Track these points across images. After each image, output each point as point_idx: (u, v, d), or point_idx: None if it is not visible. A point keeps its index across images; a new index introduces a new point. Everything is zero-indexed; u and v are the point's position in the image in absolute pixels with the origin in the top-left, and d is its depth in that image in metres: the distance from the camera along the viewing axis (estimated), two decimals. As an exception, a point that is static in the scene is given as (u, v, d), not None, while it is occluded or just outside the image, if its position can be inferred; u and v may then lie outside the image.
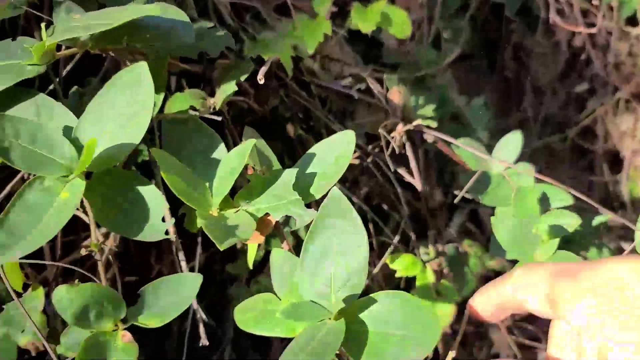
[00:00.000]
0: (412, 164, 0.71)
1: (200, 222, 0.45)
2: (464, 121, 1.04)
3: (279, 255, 0.48)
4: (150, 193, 0.48)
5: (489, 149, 0.70)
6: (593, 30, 1.08)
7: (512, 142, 0.69)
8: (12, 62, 0.49)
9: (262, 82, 0.54)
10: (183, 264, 0.52)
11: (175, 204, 0.54)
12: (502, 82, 1.41)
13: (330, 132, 0.72)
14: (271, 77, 0.66)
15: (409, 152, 0.71)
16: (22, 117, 0.46)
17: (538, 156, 1.33)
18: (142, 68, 0.47)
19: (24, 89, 0.48)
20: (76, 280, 0.52)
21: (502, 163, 0.67)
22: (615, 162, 1.38)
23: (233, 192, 0.50)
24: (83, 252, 0.48)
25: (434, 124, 0.67)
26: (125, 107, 0.47)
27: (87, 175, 0.47)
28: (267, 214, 0.49)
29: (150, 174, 0.53)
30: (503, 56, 1.41)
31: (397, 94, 0.70)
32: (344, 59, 0.85)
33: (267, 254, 0.78)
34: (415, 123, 0.65)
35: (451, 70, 1.15)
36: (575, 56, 1.40)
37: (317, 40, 0.71)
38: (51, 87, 0.54)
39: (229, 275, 0.74)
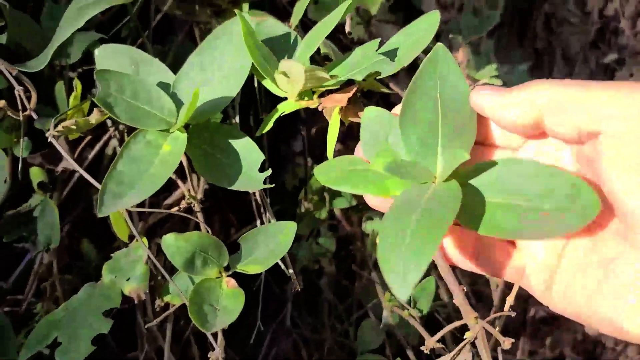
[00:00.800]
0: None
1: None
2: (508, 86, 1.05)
3: (372, 112, 0.41)
4: (247, 145, 0.49)
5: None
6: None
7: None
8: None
9: (350, 35, 0.55)
10: (269, 216, 0.53)
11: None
12: (533, 51, 1.42)
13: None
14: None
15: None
16: (124, 73, 0.47)
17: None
18: (236, 26, 0.48)
19: (122, 46, 0.50)
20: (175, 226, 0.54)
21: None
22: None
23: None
24: (184, 203, 0.50)
25: (499, 82, 0.68)
26: (223, 63, 0.48)
27: (186, 127, 0.49)
28: (349, 81, 0.47)
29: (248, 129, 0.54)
30: (534, 25, 1.41)
31: (462, 53, 0.71)
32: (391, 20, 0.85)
33: (331, 216, 0.80)
34: (482, 81, 0.66)
35: (488, 37, 1.15)
36: (606, 25, 1.40)
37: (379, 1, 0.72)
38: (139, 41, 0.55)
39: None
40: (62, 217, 0.55)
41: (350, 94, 0.48)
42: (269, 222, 0.55)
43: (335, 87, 0.48)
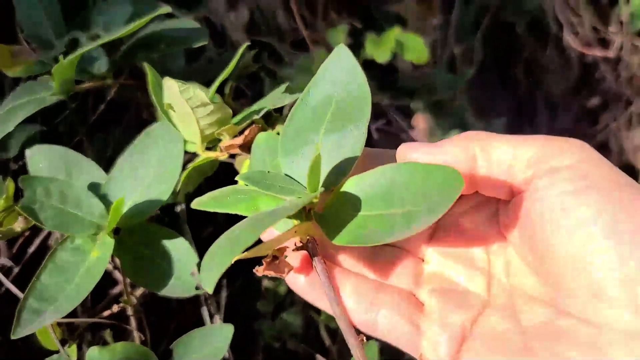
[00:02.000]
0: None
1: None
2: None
3: (262, 138, 0.38)
4: (179, 246, 0.47)
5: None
6: (607, 54, 1.07)
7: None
8: (35, 97, 0.50)
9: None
10: (215, 317, 0.52)
11: (200, 254, 0.54)
12: (514, 98, 1.41)
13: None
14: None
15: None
16: (51, 177, 0.46)
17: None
18: (165, 129, 0.47)
19: (54, 146, 0.49)
20: (107, 331, 0.52)
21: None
22: (631, 176, 1.37)
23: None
24: (115, 308, 0.48)
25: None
26: (154, 163, 0.47)
27: (116, 231, 0.47)
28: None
29: (179, 226, 0.53)
30: (515, 72, 1.41)
31: (422, 121, 0.70)
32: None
33: (290, 291, 0.78)
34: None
35: (465, 91, 1.15)
36: (587, 70, 1.39)
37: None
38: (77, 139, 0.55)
39: (256, 312, 0.75)
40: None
41: (247, 134, 0.43)
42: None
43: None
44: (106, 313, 0.48)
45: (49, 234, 0.56)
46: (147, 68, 0.44)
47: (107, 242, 0.46)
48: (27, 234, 0.54)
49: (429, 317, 0.33)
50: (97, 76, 0.53)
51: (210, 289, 0.26)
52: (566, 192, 0.28)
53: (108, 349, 0.43)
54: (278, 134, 0.39)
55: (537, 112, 1.41)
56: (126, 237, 0.47)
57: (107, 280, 0.56)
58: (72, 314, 0.54)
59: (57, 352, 0.46)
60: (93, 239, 0.46)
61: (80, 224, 0.45)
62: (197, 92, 0.41)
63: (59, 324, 0.46)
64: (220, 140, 0.46)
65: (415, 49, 0.77)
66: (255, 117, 0.44)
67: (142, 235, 0.47)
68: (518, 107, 1.40)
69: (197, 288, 0.46)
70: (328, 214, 0.32)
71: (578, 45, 1.10)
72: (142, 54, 0.53)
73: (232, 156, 0.49)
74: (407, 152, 0.32)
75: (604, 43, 1.25)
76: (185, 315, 0.66)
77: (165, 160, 0.47)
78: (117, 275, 0.55)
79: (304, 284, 0.34)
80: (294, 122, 0.35)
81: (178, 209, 0.57)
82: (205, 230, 0.68)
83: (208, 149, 0.47)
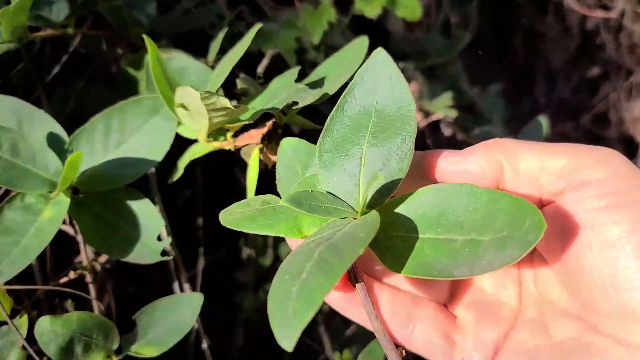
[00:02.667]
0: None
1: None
2: (477, 111, 0.99)
3: (289, 144, 0.36)
4: (146, 209, 0.43)
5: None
6: (610, 16, 1.02)
7: (538, 127, 0.64)
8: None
9: (261, 79, 0.49)
10: (184, 286, 0.48)
11: (174, 221, 0.50)
12: (512, 68, 1.36)
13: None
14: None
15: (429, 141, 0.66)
16: (3, 126, 0.41)
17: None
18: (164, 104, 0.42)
19: (4, 96, 0.44)
20: (69, 301, 0.48)
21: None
22: (630, 148, 1.34)
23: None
24: (72, 275, 0.44)
25: (454, 114, 0.62)
26: (140, 132, 0.43)
27: (75, 191, 0.43)
28: (265, 115, 0.41)
29: (146, 187, 0.48)
30: (513, 41, 1.36)
31: (413, 84, 0.65)
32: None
33: (276, 261, 0.74)
34: (437, 115, 0.60)
35: (461, 59, 1.10)
36: (588, 39, 1.35)
37: (322, 29, 0.66)
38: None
39: (236, 283, 0.70)
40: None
41: (264, 130, 0.42)
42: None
43: (250, 123, 0.43)
44: (63, 280, 0.44)
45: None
46: (147, 41, 0.40)
47: (62, 202, 0.41)
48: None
49: (463, 331, 0.33)
50: (55, 24, 0.48)
51: (290, 348, 0.24)
52: (597, 209, 0.27)
53: (62, 319, 0.39)
54: (299, 135, 0.37)
55: (536, 82, 1.37)
56: (86, 197, 0.43)
57: (73, 247, 0.51)
58: (31, 282, 0.50)
59: (5, 323, 0.42)
60: (46, 197, 0.41)
61: (32, 180, 0.41)
62: (221, 100, 0.37)
63: (10, 292, 0.41)
64: (227, 130, 0.43)
65: (408, 5, 0.72)
66: (273, 110, 0.40)
67: (103, 196, 0.43)
68: (516, 76, 1.35)
69: (163, 254, 0.42)
70: (380, 237, 0.29)
71: (579, 7, 1.05)
72: (106, -2, 0.48)
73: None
74: (434, 161, 0.32)
75: (606, 8, 1.20)
76: (159, 286, 0.61)
77: (153, 135, 0.43)
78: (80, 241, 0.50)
79: (340, 300, 0.33)
80: (332, 134, 0.32)
81: (152, 169, 0.53)
82: (180, 194, 0.64)
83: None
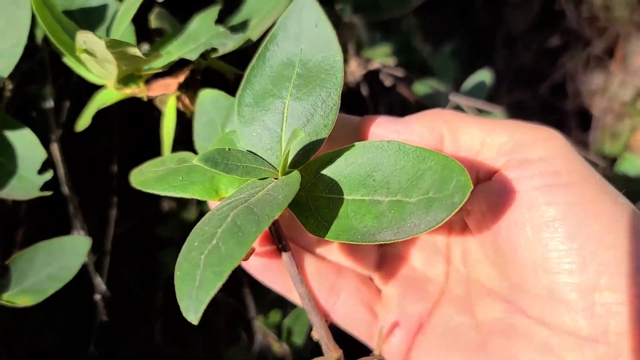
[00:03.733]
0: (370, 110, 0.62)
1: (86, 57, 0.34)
2: (427, 71, 0.95)
3: (207, 96, 0.34)
4: (25, 139, 0.38)
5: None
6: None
7: (481, 79, 0.61)
8: None
9: None
10: (79, 232, 0.43)
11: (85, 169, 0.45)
12: (471, 31, 1.33)
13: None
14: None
15: (365, 92, 0.62)
16: None
17: (507, 111, 1.26)
18: None
19: None
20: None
21: (469, 102, 0.59)
22: (584, 120, 1.33)
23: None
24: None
25: (392, 61, 0.58)
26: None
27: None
28: (181, 61, 0.37)
29: (26, 116, 0.43)
30: (474, 3, 1.32)
31: (349, 26, 0.61)
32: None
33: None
34: (375, 62, 0.56)
35: (417, 17, 1.06)
36: (549, 7, 1.32)
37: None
38: None
39: (159, 239, 0.66)
40: None
41: (180, 79, 0.38)
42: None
43: (165, 70, 0.38)
44: None
45: None
46: None
47: None
48: None
49: (387, 304, 0.32)
50: None
51: (195, 321, 0.22)
52: (536, 188, 0.27)
53: None
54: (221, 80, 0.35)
55: (495, 47, 1.34)
56: (-44, 124, 0.38)
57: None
58: None
59: None
60: None
61: None
62: (130, 49, 0.33)
63: None
64: (139, 76, 0.38)
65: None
66: (190, 57, 0.36)
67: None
68: (475, 39, 1.32)
69: (43, 189, 0.37)
70: (302, 198, 0.28)
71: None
72: None
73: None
74: (371, 127, 0.31)
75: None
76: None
77: (8, 28, 0.37)
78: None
79: (260, 267, 0.32)
80: (253, 86, 0.30)
81: (50, 104, 0.47)
82: (98, 142, 0.59)
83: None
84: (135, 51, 0.33)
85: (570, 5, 1.30)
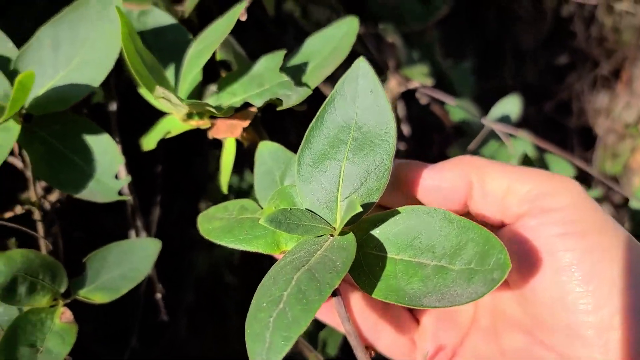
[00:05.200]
0: (405, 126, 0.64)
1: (164, 105, 0.37)
2: (447, 84, 0.98)
3: (267, 149, 0.36)
4: (103, 144, 0.39)
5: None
6: (587, 1, 1.02)
7: (511, 105, 0.64)
8: None
9: (244, 18, 0.45)
10: (141, 230, 0.44)
11: (132, 160, 0.46)
12: (482, 45, 1.35)
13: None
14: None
15: (401, 110, 0.64)
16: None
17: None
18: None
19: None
20: (12, 239, 0.44)
21: (499, 127, 0.61)
22: (587, 139, 1.36)
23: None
24: (19, 210, 0.40)
25: (429, 82, 0.61)
26: (86, 41, 0.38)
27: (27, 118, 0.39)
28: (246, 104, 0.39)
29: (105, 121, 0.45)
30: (486, 18, 1.35)
31: (392, 47, 0.63)
32: (328, 3, 0.77)
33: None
34: (414, 82, 0.58)
35: (434, 27, 1.08)
36: (560, 26, 1.35)
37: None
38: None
39: (189, 240, 0.67)
40: None
41: (246, 123, 0.40)
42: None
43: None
44: (7, 215, 0.40)
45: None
46: (119, 14, 0.35)
47: (10, 128, 0.37)
48: None
49: (423, 334, 0.36)
50: None
51: None
52: (554, 236, 0.29)
53: (5, 255, 0.36)
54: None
55: (504, 62, 1.36)
56: (38, 126, 0.39)
57: (17, 181, 0.47)
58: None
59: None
60: (-7, 122, 0.37)
61: (-23, 102, 0.37)
62: (201, 106, 0.36)
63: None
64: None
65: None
66: (255, 104, 0.38)
67: (58, 126, 0.39)
68: (485, 53, 1.34)
69: (120, 194, 0.39)
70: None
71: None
72: None
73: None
74: (407, 171, 0.33)
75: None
76: (110, 233, 0.58)
77: (101, 40, 0.38)
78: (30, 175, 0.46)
79: None
80: (312, 147, 0.32)
81: (113, 107, 0.49)
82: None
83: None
84: (210, 108, 0.35)
85: (581, 26, 1.33)
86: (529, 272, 0.30)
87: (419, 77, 0.62)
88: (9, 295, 0.36)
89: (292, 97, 0.37)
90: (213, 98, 0.40)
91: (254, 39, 0.62)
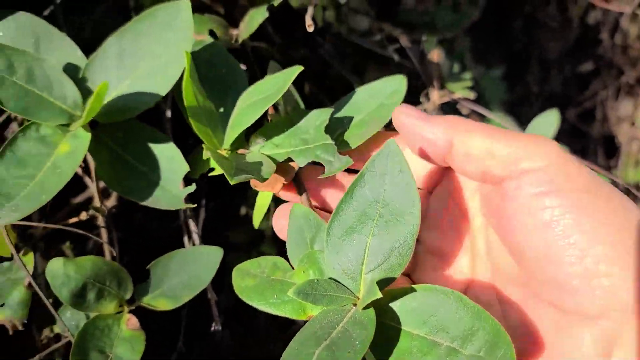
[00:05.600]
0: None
1: (210, 156, 0.37)
2: (477, 91, 0.98)
3: (300, 211, 0.38)
4: (168, 153, 0.40)
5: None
6: (609, 7, 1.02)
7: (549, 121, 0.64)
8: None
9: (311, 28, 0.46)
10: (195, 236, 0.45)
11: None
12: (508, 53, 1.35)
13: (346, 91, 0.65)
14: (297, 26, 0.58)
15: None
16: (18, 48, 0.37)
17: (537, 134, 1.28)
18: (184, 7, 0.38)
19: (21, 13, 0.40)
20: (67, 243, 0.45)
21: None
22: (610, 147, 1.36)
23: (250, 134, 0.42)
24: (84, 216, 0.40)
25: (472, 95, 0.61)
26: (155, 50, 0.39)
27: (92, 125, 0.39)
28: (288, 159, 0.39)
29: (159, 127, 0.45)
30: (513, 26, 1.35)
31: (436, 56, 0.63)
32: (365, 11, 0.77)
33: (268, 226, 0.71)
34: (457, 94, 0.59)
35: (462, 35, 1.08)
36: (585, 34, 1.35)
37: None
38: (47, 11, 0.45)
39: (228, 243, 0.68)
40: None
41: (288, 180, 0.41)
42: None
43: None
44: (72, 221, 0.40)
45: (9, 120, 0.47)
46: (186, 57, 0.36)
47: (81, 136, 0.38)
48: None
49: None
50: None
51: None
52: (533, 195, 0.31)
53: (74, 262, 0.36)
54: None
55: (529, 70, 1.36)
56: (104, 133, 0.39)
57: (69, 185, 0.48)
58: (26, 220, 0.47)
59: (10, 258, 0.39)
60: (63, 130, 0.38)
61: (49, 110, 0.37)
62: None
63: (13, 227, 0.38)
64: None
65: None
66: (298, 162, 0.39)
67: (124, 134, 0.40)
68: (511, 61, 1.34)
69: (185, 201, 0.39)
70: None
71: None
72: None
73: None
74: (400, 115, 0.36)
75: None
76: (159, 238, 0.58)
77: (166, 52, 0.39)
78: (87, 181, 0.47)
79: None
80: (341, 219, 0.34)
81: (168, 114, 0.49)
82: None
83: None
84: (253, 177, 0.37)
85: (605, 34, 1.33)
86: (514, 231, 0.32)
87: (462, 91, 0.62)
88: (78, 301, 0.36)
89: (335, 164, 0.38)
90: (256, 148, 0.41)
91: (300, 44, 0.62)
